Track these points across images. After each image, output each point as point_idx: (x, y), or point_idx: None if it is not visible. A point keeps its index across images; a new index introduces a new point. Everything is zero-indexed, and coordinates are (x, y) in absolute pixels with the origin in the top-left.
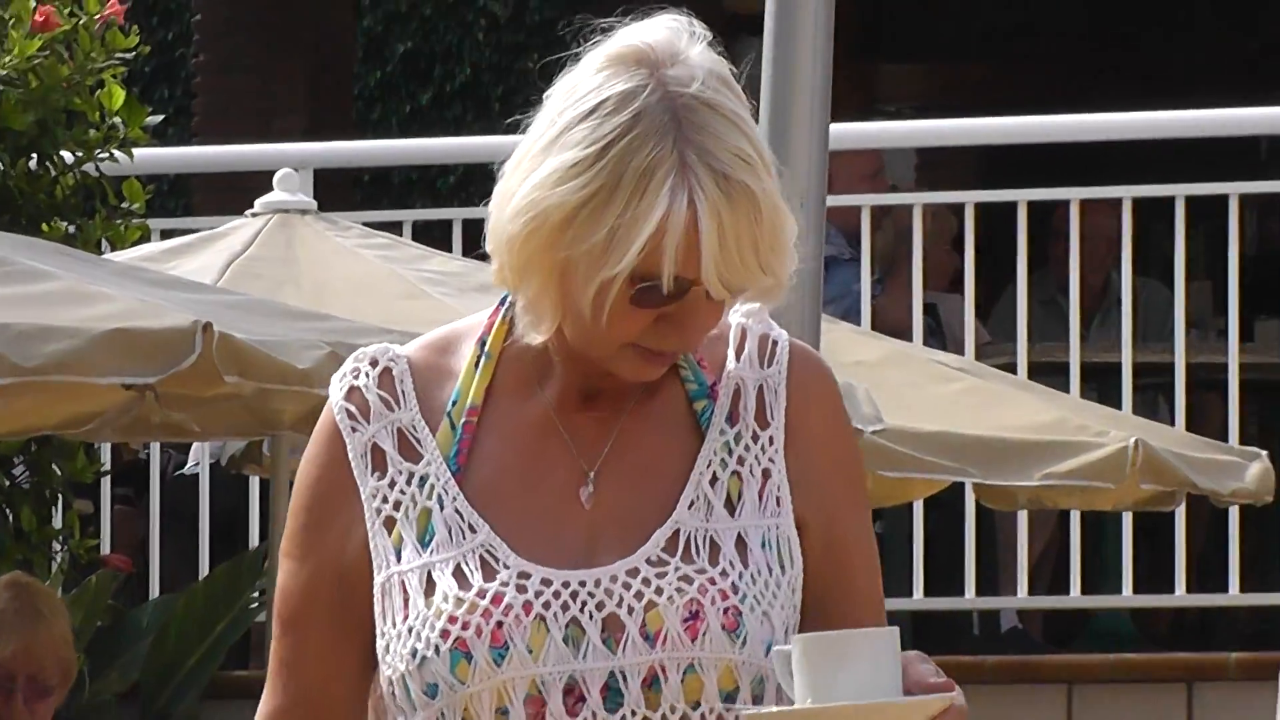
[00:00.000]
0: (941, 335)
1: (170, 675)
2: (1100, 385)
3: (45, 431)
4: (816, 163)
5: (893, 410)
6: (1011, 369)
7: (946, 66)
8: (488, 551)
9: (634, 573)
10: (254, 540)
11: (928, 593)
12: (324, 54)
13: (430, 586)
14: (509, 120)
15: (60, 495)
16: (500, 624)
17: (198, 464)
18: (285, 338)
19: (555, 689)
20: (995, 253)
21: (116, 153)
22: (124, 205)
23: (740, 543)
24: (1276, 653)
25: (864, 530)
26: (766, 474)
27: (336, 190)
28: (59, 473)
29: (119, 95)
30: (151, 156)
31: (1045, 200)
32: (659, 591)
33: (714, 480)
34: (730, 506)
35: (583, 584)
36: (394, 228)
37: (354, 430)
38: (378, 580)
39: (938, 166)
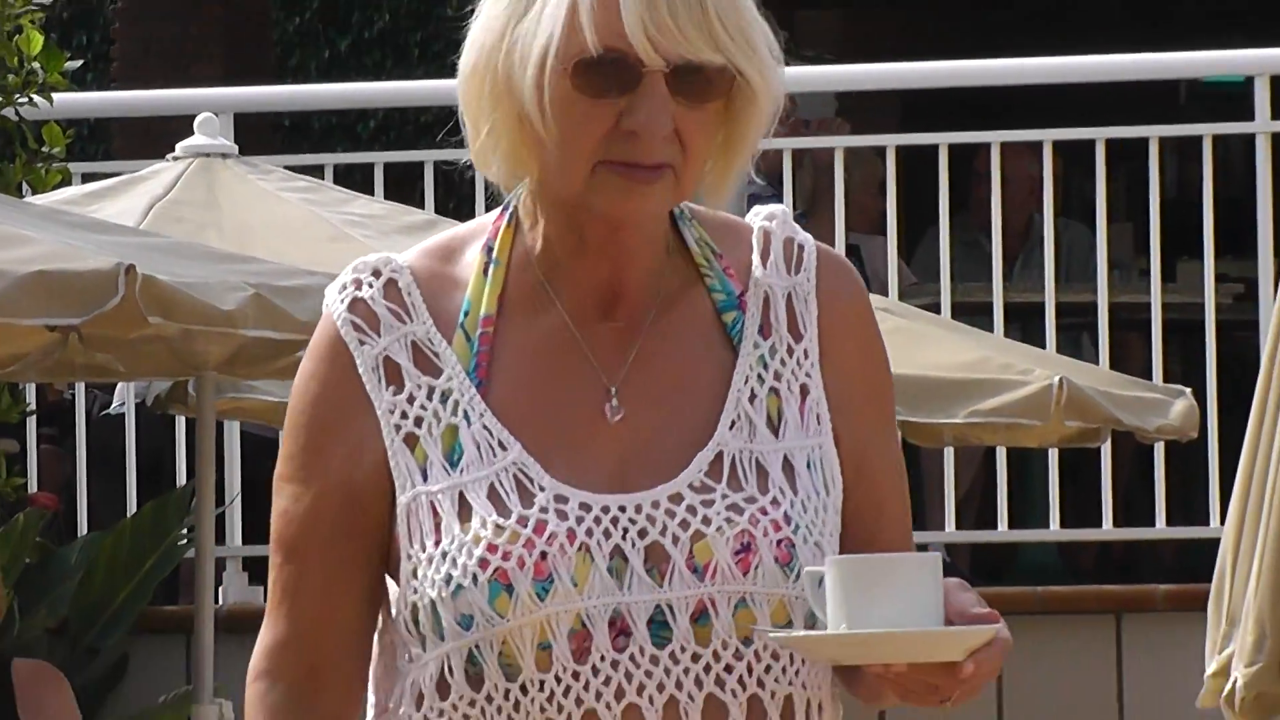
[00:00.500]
0: (865, 277)
1: (99, 611)
2: (1024, 325)
3: None
4: None
5: None
6: (935, 309)
7: (864, 11)
8: (521, 471)
9: (677, 499)
10: (180, 479)
11: None
12: (243, 0)
13: (465, 509)
14: (427, 65)
15: None
16: (545, 555)
17: (123, 404)
18: (208, 280)
19: (601, 622)
20: (918, 195)
21: (36, 98)
22: (44, 149)
23: (787, 465)
24: (1202, 584)
25: (895, 453)
26: (805, 390)
27: (257, 135)
28: None
29: (37, 41)
30: (71, 101)
31: (966, 143)
32: (706, 521)
33: (752, 398)
34: (773, 426)
35: (623, 509)
36: (315, 171)
37: (362, 343)
38: (401, 500)
39: (859, 111)
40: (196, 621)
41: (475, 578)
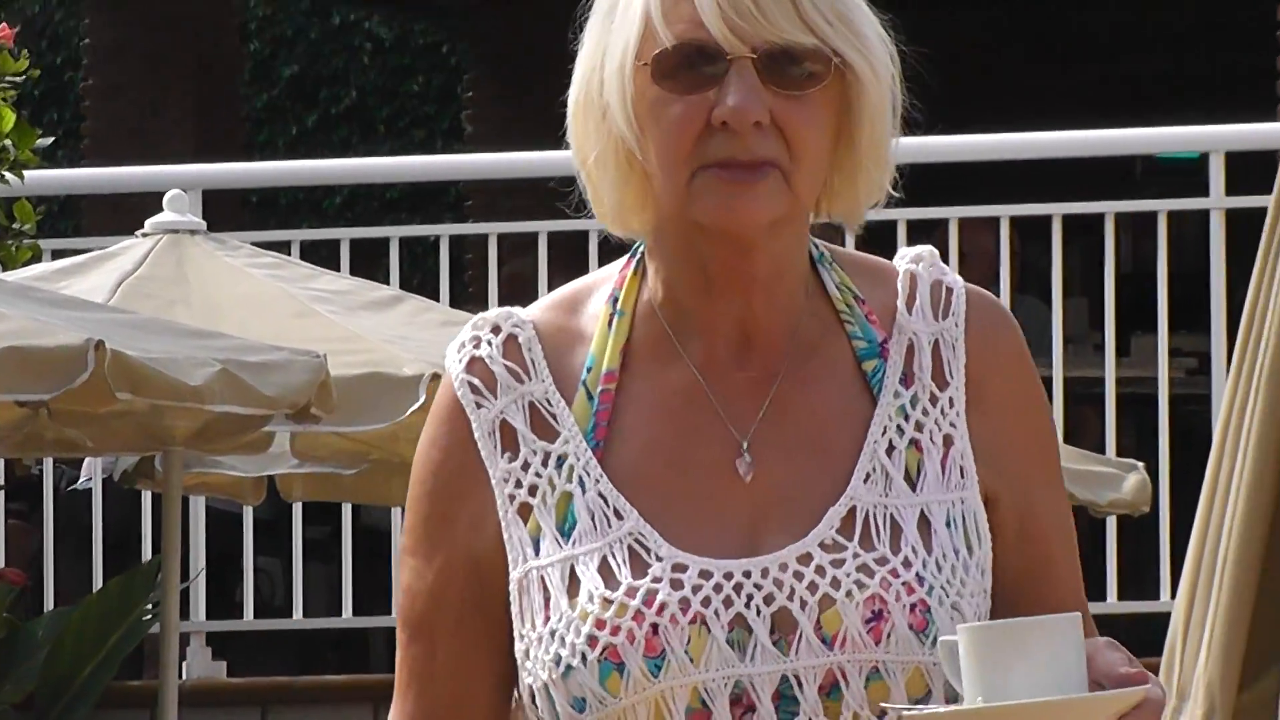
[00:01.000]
0: None
1: (65, 686)
2: None
3: None
4: None
5: None
6: None
7: None
8: (637, 541)
9: (806, 559)
10: (147, 554)
11: None
12: (212, 77)
13: (574, 584)
14: (393, 141)
15: None
16: (655, 627)
17: (90, 479)
18: (176, 355)
19: (721, 697)
20: None
21: (7, 174)
22: (15, 226)
23: (924, 522)
24: (1154, 658)
25: (1063, 508)
26: (949, 441)
27: (225, 211)
28: None
29: (9, 118)
30: (42, 178)
31: (925, 219)
32: (835, 583)
33: (890, 449)
34: (910, 481)
35: (747, 575)
36: (282, 247)
37: (479, 406)
38: (513, 575)
39: None
40: (161, 696)
41: (584, 657)
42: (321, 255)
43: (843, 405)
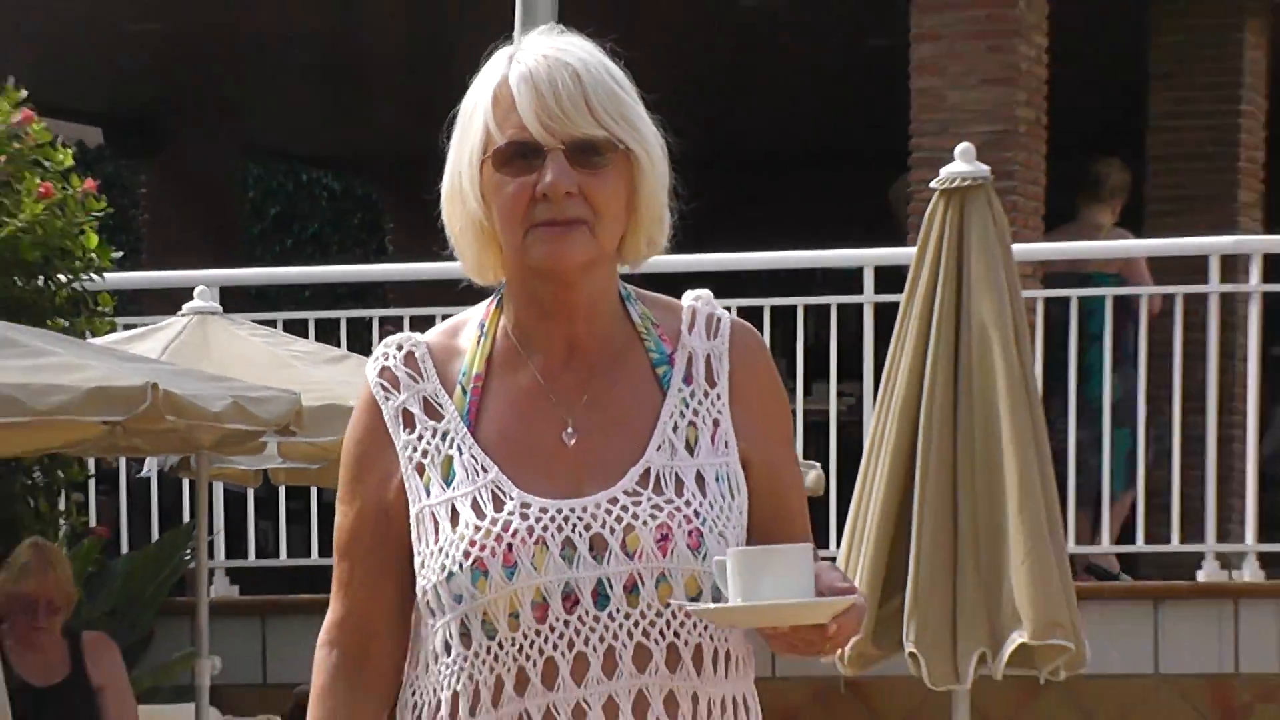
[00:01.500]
0: None
1: (135, 602)
2: None
3: (53, 450)
4: None
5: None
6: None
7: None
8: (497, 487)
9: (614, 501)
10: (185, 518)
11: None
12: (224, 216)
13: (455, 516)
14: (342, 257)
15: (63, 490)
16: (510, 546)
17: (149, 471)
18: (203, 393)
19: (555, 593)
20: None
21: (94, 275)
22: (99, 309)
23: (699, 478)
24: None
25: (796, 472)
26: (716, 423)
27: (234, 300)
28: (62, 476)
29: (93, 239)
30: (116, 279)
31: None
32: (635, 516)
33: (675, 428)
34: (689, 449)
35: (574, 510)
36: (271, 324)
37: (387, 399)
38: (412, 512)
39: None
40: (197, 609)
41: (461, 565)
42: (297, 329)
43: (641, 397)
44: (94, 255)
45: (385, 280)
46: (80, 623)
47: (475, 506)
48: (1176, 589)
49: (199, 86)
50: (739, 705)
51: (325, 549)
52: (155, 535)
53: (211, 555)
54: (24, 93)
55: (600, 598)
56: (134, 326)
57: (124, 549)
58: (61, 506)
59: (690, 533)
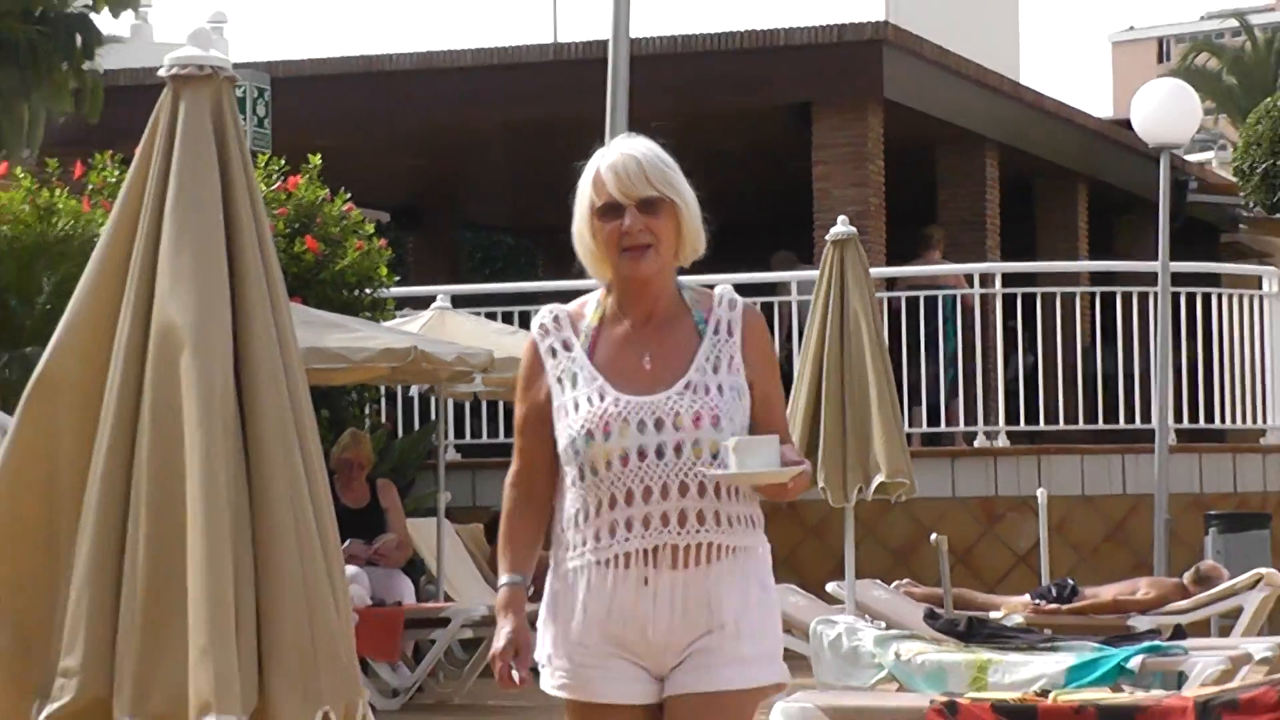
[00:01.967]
0: None
1: (404, 464)
2: None
3: (362, 382)
4: None
5: None
6: None
7: None
8: (602, 390)
9: (669, 398)
10: (431, 418)
11: None
12: (454, 261)
13: (577, 406)
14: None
15: (367, 404)
16: (606, 423)
17: (414, 392)
18: (441, 351)
19: (632, 451)
20: None
21: (384, 289)
22: (387, 308)
23: (720, 387)
24: None
25: (778, 393)
26: (731, 358)
27: (460, 302)
28: (366, 395)
29: (384, 270)
30: (395, 291)
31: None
32: (682, 407)
33: (707, 359)
34: (715, 370)
35: (646, 403)
36: (478, 315)
37: (542, 340)
38: (556, 404)
39: None
40: (438, 466)
41: (579, 434)
42: (492, 318)
43: (688, 342)
44: (384, 279)
45: (540, 290)
46: (375, 474)
47: (589, 400)
48: (963, 451)
49: (437, 189)
50: (746, 519)
51: (506, 433)
52: (416, 427)
53: (445, 437)
54: (349, 194)
55: (659, 453)
56: (404, 317)
57: (399, 434)
58: (366, 412)
59: (712, 417)
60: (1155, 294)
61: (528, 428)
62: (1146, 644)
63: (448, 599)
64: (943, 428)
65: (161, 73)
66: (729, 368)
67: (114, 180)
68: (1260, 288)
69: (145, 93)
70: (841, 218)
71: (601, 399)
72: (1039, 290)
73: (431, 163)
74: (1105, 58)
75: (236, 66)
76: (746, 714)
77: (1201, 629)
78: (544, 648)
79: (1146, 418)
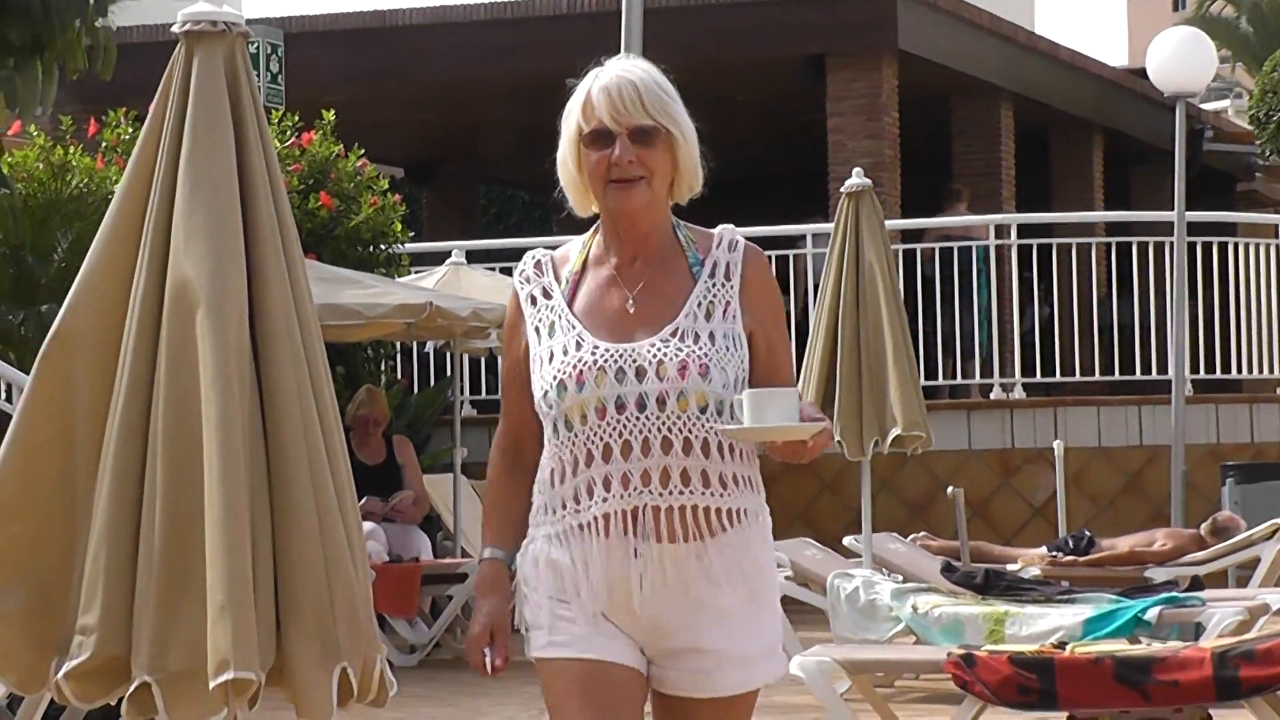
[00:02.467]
0: None
1: (420, 419)
2: None
3: (377, 338)
4: None
5: None
6: None
7: None
8: (579, 337)
9: (653, 345)
10: (447, 374)
11: None
12: (469, 216)
13: (551, 356)
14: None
15: (383, 360)
16: (582, 373)
17: (429, 348)
18: (456, 307)
19: (610, 403)
20: None
21: (399, 245)
22: (401, 264)
23: (711, 335)
24: None
25: (783, 339)
26: (728, 304)
27: (473, 257)
28: (382, 351)
29: (399, 226)
30: (410, 247)
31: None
32: (665, 355)
33: (699, 304)
34: (708, 317)
35: (626, 350)
36: (492, 269)
37: (523, 289)
38: (532, 354)
39: None
40: (454, 421)
41: (551, 385)
42: (506, 273)
43: (680, 285)
44: (399, 235)
45: (555, 245)
46: (391, 430)
47: (564, 349)
48: (980, 403)
49: (452, 145)
50: (743, 480)
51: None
52: (431, 383)
53: (461, 392)
54: (363, 150)
55: (640, 405)
56: (419, 273)
57: (415, 390)
58: (382, 368)
59: (700, 366)
60: (1171, 244)
61: (512, 384)
62: (1164, 595)
63: (464, 554)
64: (958, 379)
65: (175, 29)
66: (724, 314)
67: (128, 137)
68: (1276, 236)
69: (159, 49)
70: (856, 170)
71: (578, 347)
72: (1054, 241)
73: (445, 118)
74: (1120, 6)
75: (250, 22)
76: (749, 714)
77: (1219, 580)
78: (523, 617)
79: (1163, 368)
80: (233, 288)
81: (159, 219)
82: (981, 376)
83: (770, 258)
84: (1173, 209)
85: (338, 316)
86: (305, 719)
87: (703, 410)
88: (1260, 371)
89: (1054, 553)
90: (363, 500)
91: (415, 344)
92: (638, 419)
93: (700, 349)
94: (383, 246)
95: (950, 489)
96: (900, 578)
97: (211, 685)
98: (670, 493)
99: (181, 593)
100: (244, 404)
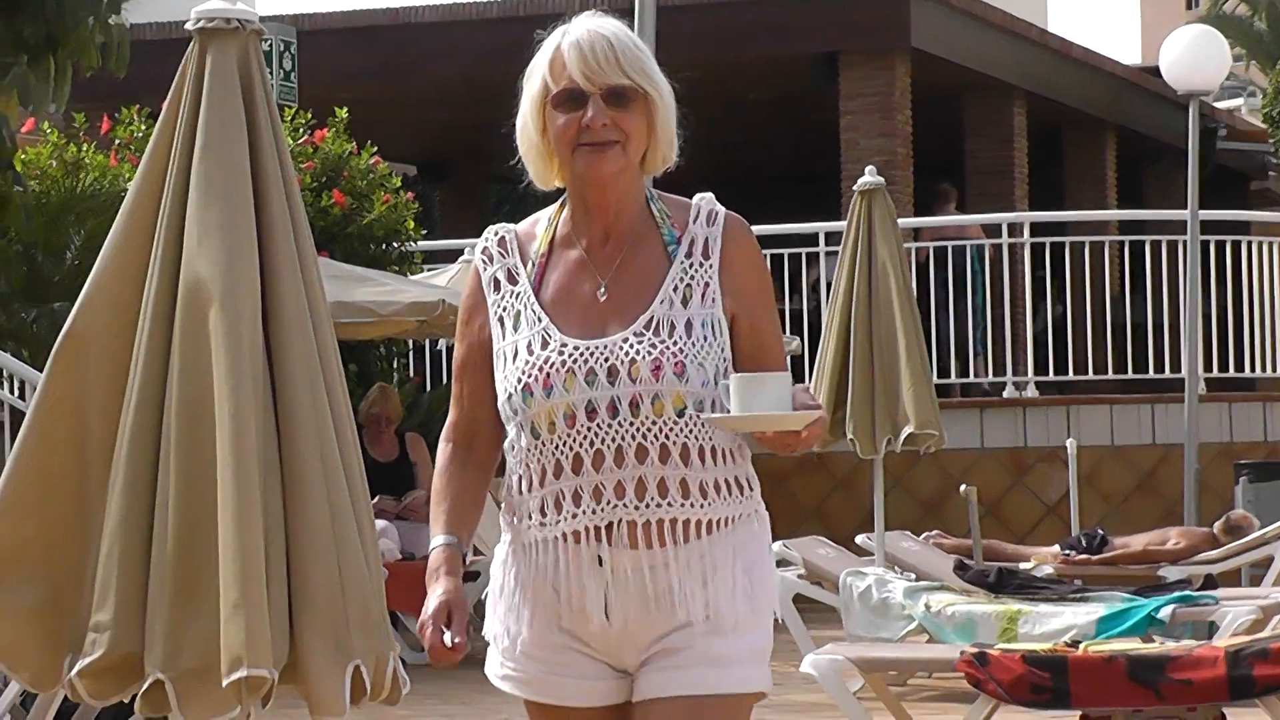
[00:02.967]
0: None
1: (433, 418)
2: None
3: (391, 335)
4: None
5: None
6: None
7: None
8: (546, 333)
9: (625, 340)
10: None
11: None
12: (480, 211)
13: (516, 353)
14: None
15: (396, 357)
16: (548, 375)
17: (442, 345)
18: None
19: (580, 408)
20: None
21: (412, 243)
22: (414, 261)
23: (688, 324)
24: None
25: (771, 319)
26: (706, 285)
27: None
28: (395, 349)
29: (411, 224)
30: (423, 245)
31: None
32: (638, 352)
33: (675, 289)
34: (684, 303)
35: (597, 348)
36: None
37: (484, 269)
38: (495, 349)
39: None
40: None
41: (515, 389)
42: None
43: (654, 267)
44: (412, 233)
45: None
46: (404, 428)
47: (529, 347)
48: (993, 401)
49: (465, 142)
50: (730, 485)
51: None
52: (444, 380)
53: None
54: (375, 148)
55: (613, 410)
56: (432, 270)
57: (428, 388)
58: (394, 366)
59: (676, 365)
60: (1184, 242)
61: (467, 371)
62: (1177, 594)
63: (477, 553)
64: (970, 378)
65: (188, 26)
66: (703, 299)
67: (141, 135)
68: None
69: (172, 46)
70: (869, 168)
71: (544, 345)
72: (1068, 240)
73: (458, 115)
74: (1134, 4)
75: (263, 19)
76: None
77: (1232, 579)
78: (491, 625)
79: (1176, 367)
80: (245, 285)
81: (172, 216)
82: (994, 374)
83: (783, 256)
84: (1186, 207)
85: (350, 314)
86: (318, 717)
87: (680, 413)
88: (1274, 370)
89: (1067, 551)
90: (375, 498)
91: (428, 342)
92: (610, 425)
93: (675, 343)
94: (395, 244)
95: (963, 487)
96: (913, 576)
97: (225, 683)
98: (646, 506)
99: (195, 590)
100: (257, 401)
